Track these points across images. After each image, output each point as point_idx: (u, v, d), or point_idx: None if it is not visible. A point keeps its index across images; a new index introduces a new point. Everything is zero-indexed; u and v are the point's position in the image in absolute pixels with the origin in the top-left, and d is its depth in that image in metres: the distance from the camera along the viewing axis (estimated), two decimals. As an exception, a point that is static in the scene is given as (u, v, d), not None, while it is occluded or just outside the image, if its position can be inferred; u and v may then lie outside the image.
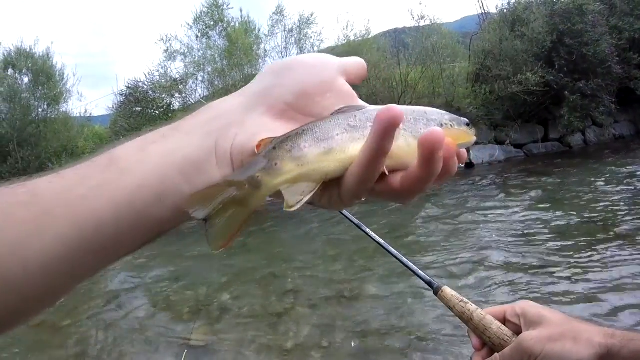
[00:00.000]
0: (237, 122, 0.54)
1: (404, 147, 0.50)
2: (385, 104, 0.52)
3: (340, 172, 0.50)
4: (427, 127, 0.52)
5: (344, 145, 0.50)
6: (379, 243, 1.27)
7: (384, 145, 0.45)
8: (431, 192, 10.83)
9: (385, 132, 0.44)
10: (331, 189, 0.51)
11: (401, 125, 0.50)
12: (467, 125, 0.57)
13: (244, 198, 0.50)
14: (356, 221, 1.29)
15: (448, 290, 1.15)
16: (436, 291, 1.16)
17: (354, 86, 0.58)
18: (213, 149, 0.52)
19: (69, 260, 0.47)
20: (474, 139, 0.58)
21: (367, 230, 1.27)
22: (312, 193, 0.49)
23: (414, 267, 1.22)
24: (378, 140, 0.45)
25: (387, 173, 0.48)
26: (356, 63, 0.61)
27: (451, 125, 0.55)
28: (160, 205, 0.49)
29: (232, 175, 0.51)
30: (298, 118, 0.55)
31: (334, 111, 0.53)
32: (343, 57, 0.61)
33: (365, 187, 0.49)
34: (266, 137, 0.51)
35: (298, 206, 0.49)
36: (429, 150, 0.44)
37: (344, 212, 1.27)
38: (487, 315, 1.07)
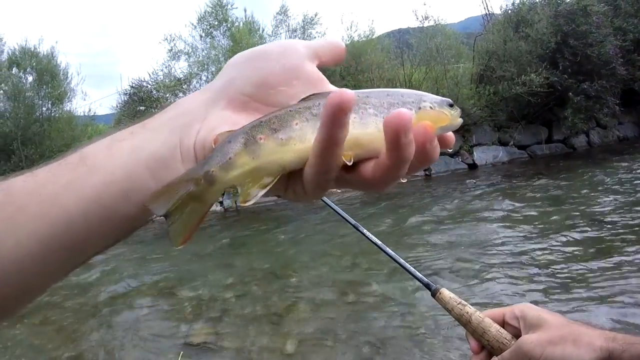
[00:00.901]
0: (200, 118, 0.53)
1: (375, 133, 0.48)
2: None
3: (299, 163, 0.48)
4: None
5: (303, 135, 0.48)
6: (375, 244, 1.25)
7: (335, 134, 0.42)
8: (432, 192, 10.82)
9: (334, 119, 0.42)
10: (295, 180, 0.50)
11: (372, 110, 0.49)
12: (450, 106, 0.54)
13: (200, 193, 0.50)
14: (353, 221, 1.27)
15: (446, 292, 1.14)
16: (434, 293, 1.15)
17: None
18: (177, 145, 0.52)
19: (42, 257, 0.47)
20: (459, 121, 0.54)
21: (364, 230, 1.26)
22: (268, 187, 0.48)
23: (411, 269, 1.21)
24: (327, 129, 0.42)
25: (348, 163, 0.46)
26: (328, 44, 0.60)
27: (431, 107, 0.52)
28: (127, 202, 0.49)
29: (189, 171, 0.50)
30: (262, 109, 0.54)
31: (300, 99, 0.51)
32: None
33: (326, 178, 0.47)
34: (224, 131, 0.51)
35: (253, 200, 0.48)
36: (393, 134, 0.42)
37: (341, 212, 1.26)
38: (485, 318, 1.06)
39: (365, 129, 0.48)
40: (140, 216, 0.51)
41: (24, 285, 0.48)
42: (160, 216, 0.51)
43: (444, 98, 0.53)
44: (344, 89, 0.41)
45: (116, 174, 0.49)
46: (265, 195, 0.50)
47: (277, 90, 0.54)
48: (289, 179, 0.51)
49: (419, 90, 0.58)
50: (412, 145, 0.43)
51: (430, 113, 0.51)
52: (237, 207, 12.31)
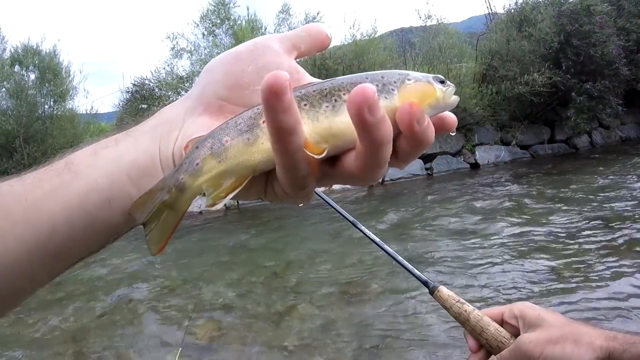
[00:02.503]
0: (179, 126, 0.53)
1: (350, 121, 0.43)
2: None
3: (269, 163, 0.46)
4: (381, 94, 0.45)
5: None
6: (373, 241, 1.24)
7: (279, 121, 0.40)
8: (434, 191, 10.82)
9: (270, 104, 0.39)
10: (273, 181, 0.48)
11: (346, 96, 0.45)
12: (442, 82, 0.49)
13: (173, 202, 0.50)
14: (351, 218, 1.26)
15: (444, 290, 1.13)
16: (432, 291, 1.14)
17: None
18: (157, 153, 0.52)
19: (29, 261, 0.48)
20: (454, 98, 0.49)
21: (362, 228, 1.25)
22: (237, 190, 0.47)
23: (409, 266, 1.20)
24: (268, 117, 0.40)
25: (317, 157, 0.43)
26: (306, 33, 0.57)
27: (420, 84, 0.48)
28: (110, 209, 0.50)
29: (162, 180, 0.50)
30: (239, 111, 0.52)
31: None
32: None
33: (299, 175, 0.44)
34: (195, 137, 0.50)
35: (220, 204, 0.46)
36: (356, 113, 0.39)
37: (339, 209, 1.25)
38: (484, 317, 1.05)
39: (338, 117, 0.45)
40: (123, 223, 0.51)
41: (11, 288, 0.49)
42: (140, 224, 0.52)
43: (433, 74, 0.50)
44: (278, 71, 0.39)
45: (99, 181, 0.50)
46: (245, 198, 0.50)
47: (252, 90, 0.53)
48: (267, 180, 0.49)
49: None
50: (383, 124, 0.40)
51: (413, 88, 0.47)
52: (238, 205, 12.30)
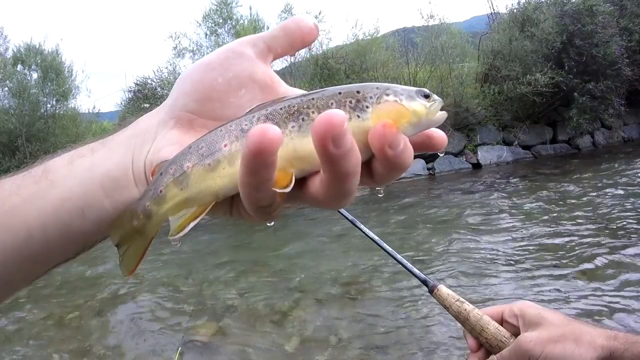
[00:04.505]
0: (151, 139, 0.52)
1: None
2: None
3: (233, 189, 0.44)
4: (353, 112, 0.42)
5: (233, 156, 0.43)
6: (373, 240, 1.24)
7: (254, 179, 0.38)
8: (435, 191, 10.81)
9: (254, 165, 0.37)
10: (238, 203, 0.46)
11: (315, 114, 0.42)
12: (426, 97, 0.45)
13: (141, 228, 0.49)
14: (350, 217, 1.26)
15: (444, 290, 1.12)
16: (431, 290, 1.14)
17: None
18: (130, 165, 0.51)
19: (5, 266, 0.49)
20: (439, 115, 0.45)
21: (362, 226, 1.25)
22: (199, 218, 0.45)
23: (409, 265, 1.19)
24: (246, 173, 0.38)
25: (279, 190, 0.40)
26: (283, 32, 0.53)
27: (396, 101, 0.43)
28: (84, 218, 0.49)
29: (130, 205, 0.49)
30: (210, 125, 0.50)
31: (246, 112, 0.46)
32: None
33: (264, 204, 0.42)
34: (161, 161, 0.48)
35: (182, 233, 0.45)
36: (319, 144, 0.36)
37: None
38: (484, 316, 1.04)
39: (305, 139, 0.41)
40: (98, 233, 0.51)
41: None
42: (114, 245, 0.52)
43: (417, 88, 0.45)
44: (266, 126, 0.36)
45: (73, 190, 0.49)
46: (211, 216, 0.49)
47: (223, 103, 0.51)
48: (232, 201, 0.48)
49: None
50: (350, 156, 0.37)
51: (387, 107, 0.43)
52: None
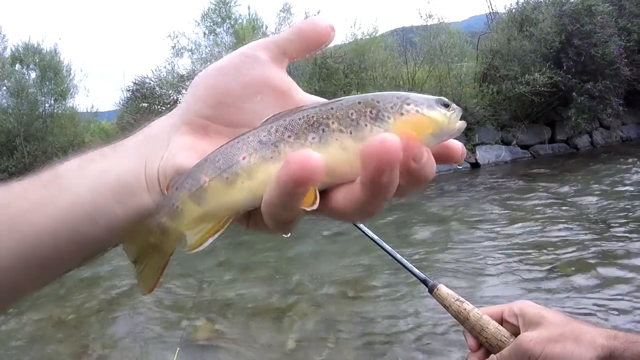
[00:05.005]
0: (164, 145, 0.50)
1: (340, 155, 0.40)
2: None
3: (253, 203, 0.42)
4: (374, 123, 0.41)
5: (252, 169, 0.41)
6: (372, 239, 1.24)
7: (286, 202, 0.37)
8: (434, 190, 10.81)
9: (291, 192, 0.36)
10: (256, 213, 0.44)
11: (335, 125, 0.41)
12: (446, 106, 0.44)
13: (158, 244, 0.48)
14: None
15: (444, 289, 1.12)
16: (431, 289, 1.13)
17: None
18: (143, 171, 0.49)
19: (13, 271, 0.47)
20: (459, 124, 0.44)
21: (361, 225, 1.24)
22: (218, 234, 0.44)
23: (408, 264, 1.19)
24: (279, 196, 0.37)
25: (308, 209, 0.39)
26: (297, 34, 0.51)
27: (417, 111, 0.42)
28: (94, 225, 0.48)
29: (146, 221, 0.48)
30: (224, 132, 0.50)
31: (262, 122, 0.45)
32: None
33: (286, 220, 0.41)
34: (176, 166, 0.47)
35: (199, 249, 0.44)
36: (373, 172, 0.35)
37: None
38: (484, 315, 1.04)
39: (326, 151, 0.40)
40: (109, 240, 0.50)
41: None
42: (132, 262, 0.51)
43: (436, 97, 0.44)
44: (308, 153, 0.35)
45: (83, 196, 0.48)
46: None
47: (238, 108, 0.50)
48: (250, 212, 0.46)
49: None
50: (395, 179, 0.37)
51: (410, 118, 0.42)
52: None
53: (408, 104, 0.42)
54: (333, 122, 0.42)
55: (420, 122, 0.42)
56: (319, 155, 0.35)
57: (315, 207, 0.39)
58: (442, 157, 0.44)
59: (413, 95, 0.44)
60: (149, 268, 0.50)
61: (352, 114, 0.42)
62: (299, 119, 0.42)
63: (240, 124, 0.49)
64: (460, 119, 0.45)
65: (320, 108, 0.43)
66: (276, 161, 0.41)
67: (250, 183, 0.41)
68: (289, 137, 0.41)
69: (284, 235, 0.45)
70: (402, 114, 0.42)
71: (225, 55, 0.52)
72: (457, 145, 0.44)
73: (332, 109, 0.43)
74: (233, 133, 0.48)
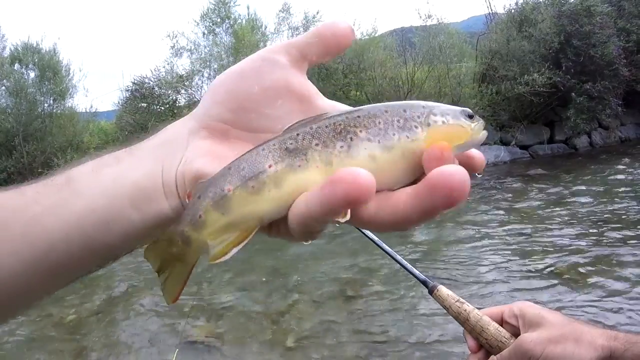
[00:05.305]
0: (181, 149, 0.49)
1: (369, 165, 0.39)
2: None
3: (279, 212, 0.41)
4: (402, 132, 0.41)
5: (279, 178, 0.40)
6: (372, 240, 1.23)
7: (327, 217, 0.36)
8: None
9: (336, 208, 0.35)
10: (279, 222, 0.43)
11: (363, 134, 0.40)
12: (470, 117, 0.44)
13: (180, 254, 0.47)
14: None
15: (444, 290, 1.12)
16: (431, 290, 1.13)
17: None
18: (160, 176, 0.48)
19: (25, 277, 0.46)
20: (483, 134, 0.44)
21: (361, 226, 1.24)
22: (244, 242, 0.42)
23: (408, 265, 1.19)
24: (321, 213, 0.36)
25: (342, 220, 0.38)
26: (317, 37, 0.50)
27: (444, 122, 0.42)
28: (108, 231, 0.47)
29: (167, 231, 0.47)
30: (245, 137, 0.48)
31: (285, 129, 0.44)
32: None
33: (314, 231, 0.40)
34: (195, 171, 0.45)
35: (223, 259, 0.42)
36: (443, 202, 0.34)
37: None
38: (484, 316, 1.04)
39: (355, 160, 0.40)
40: (123, 246, 0.49)
41: (4, 303, 0.48)
42: (155, 272, 0.50)
43: (460, 107, 0.45)
44: (357, 171, 0.33)
45: (98, 201, 0.47)
46: None
47: (259, 113, 0.49)
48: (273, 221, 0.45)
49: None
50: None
51: (444, 129, 0.42)
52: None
53: (435, 114, 0.42)
54: (361, 131, 0.41)
55: (448, 133, 0.42)
56: (369, 174, 0.34)
57: (347, 217, 0.38)
58: (464, 167, 0.43)
59: (439, 105, 0.44)
60: (172, 278, 0.49)
61: (379, 122, 0.41)
62: (326, 126, 0.42)
63: (261, 129, 0.48)
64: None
65: (347, 116, 0.42)
66: (305, 170, 0.40)
67: (277, 192, 0.40)
68: (317, 145, 0.41)
69: (305, 243, 0.44)
70: (428, 124, 0.42)
71: (244, 59, 0.51)
72: (479, 155, 0.44)
73: (359, 117, 0.42)
74: (254, 138, 0.47)
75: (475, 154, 0.43)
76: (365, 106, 0.43)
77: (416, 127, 0.41)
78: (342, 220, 0.38)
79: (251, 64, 0.50)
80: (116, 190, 0.47)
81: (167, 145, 0.50)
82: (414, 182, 0.40)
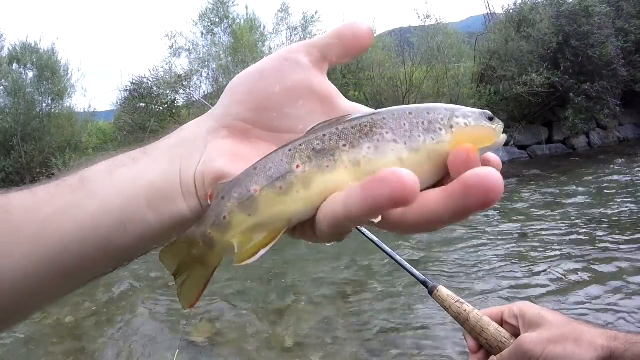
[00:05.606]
0: (200, 148, 0.48)
1: (395, 165, 0.39)
2: (389, 104, 0.42)
3: (307, 213, 0.40)
4: (427, 134, 0.41)
5: (308, 179, 0.40)
6: (372, 241, 1.23)
7: (365, 218, 0.35)
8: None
9: (377, 209, 0.34)
10: (305, 224, 0.42)
11: (389, 135, 0.40)
12: (490, 119, 0.44)
13: (202, 257, 0.45)
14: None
15: (444, 290, 1.12)
16: (431, 291, 1.13)
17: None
18: (177, 176, 0.47)
19: (37, 279, 0.45)
20: (503, 137, 0.45)
21: (361, 227, 1.24)
22: (272, 244, 0.41)
23: (408, 266, 1.19)
24: (361, 213, 0.35)
25: (375, 221, 0.37)
26: (338, 38, 0.49)
27: (466, 124, 0.42)
28: (123, 233, 0.46)
29: (188, 232, 0.46)
30: (266, 137, 0.48)
31: (308, 130, 0.43)
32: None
33: (344, 232, 0.40)
34: (222, 181, 0.44)
35: (251, 260, 0.41)
36: (478, 203, 0.34)
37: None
38: (484, 317, 1.04)
39: (382, 162, 0.39)
40: (138, 248, 0.48)
41: (16, 305, 0.46)
42: (172, 275, 0.49)
43: (480, 110, 0.45)
44: (401, 172, 0.32)
45: (113, 202, 0.46)
46: None
47: (281, 113, 0.48)
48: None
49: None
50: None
51: (468, 131, 0.42)
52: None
53: (457, 117, 0.43)
54: (387, 132, 0.41)
55: (472, 135, 0.42)
56: (412, 174, 0.33)
57: (379, 218, 0.37)
58: None
59: (460, 107, 0.44)
60: (190, 281, 0.48)
61: (404, 124, 0.41)
62: (352, 127, 0.41)
63: (283, 129, 0.48)
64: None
65: (372, 117, 0.42)
66: (333, 170, 0.39)
67: (306, 193, 0.40)
68: (344, 145, 0.40)
69: (327, 244, 0.44)
70: (452, 126, 0.42)
71: (264, 58, 0.51)
72: (495, 158, 0.43)
73: (384, 118, 0.42)
74: (275, 138, 0.47)
75: (492, 156, 0.43)
76: (389, 108, 0.43)
77: (440, 129, 0.42)
78: (376, 221, 0.37)
79: (272, 64, 0.49)
80: (132, 190, 0.46)
81: (185, 145, 0.49)
82: (435, 184, 0.40)
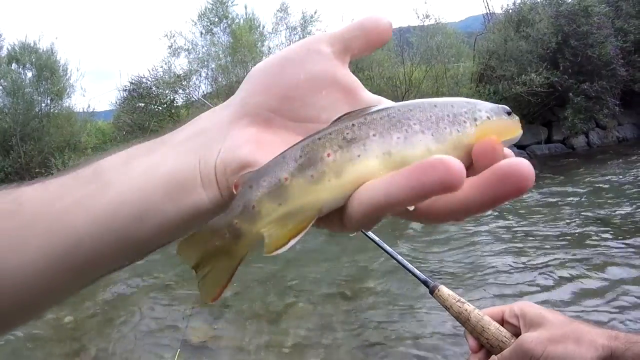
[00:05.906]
0: (221, 137, 0.47)
1: (425, 156, 0.38)
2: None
3: (338, 202, 0.40)
4: (453, 126, 0.41)
5: (339, 167, 0.39)
6: (373, 240, 1.23)
7: (406, 204, 0.35)
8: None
9: (423, 196, 0.34)
10: (332, 213, 0.42)
11: (417, 127, 0.40)
12: (508, 114, 0.45)
13: (227, 248, 0.44)
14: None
15: (444, 290, 1.12)
16: (432, 290, 1.13)
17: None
18: (197, 166, 0.46)
19: (49, 274, 0.44)
20: (520, 132, 0.45)
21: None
22: (301, 235, 0.40)
23: (409, 265, 1.19)
24: (405, 199, 0.34)
25: (410, 208, 0.37)
26: (361, 30, 0.49)
27: (488, 117, 0.43)
28: (140, 226, 0.44)
29: (212, 222, 0.44)
30: (289, 126, 0.47)
31: (333, 120, 0.43)
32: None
33: (379, 220, 0.40)
34: (247, 169, 0.44)
35: (279, 251, 0.41)
36: (509, 193, 0.34)
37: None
38: (484, 316, 1.04)
39: (412, 151, 0.39)
40: (155, 240, 0.46)
41: (27, 301, 0.45)
42: (191, 268, 0.47)
43: (498, 105, 0.45)
44: (447, 158, 0.32)
45: (129, 194, 0.44)
46: None
47: (304, 102, 0.47)
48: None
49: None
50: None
51: (491, 124, 0.42)
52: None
53: (480, 110, 0.43)
54: (415, 124, 0.41)
55: (496, 128, 0.42)
56: (458, 161, 0.33)
57: (413, 207, 0.37)
58: None
59: (479, 101, 0.44)
60: (213, 274, 0.46)
61: (431, 116, 0.41)
62: (380, 118, 0.41)
63: (307, 119, 0.47)
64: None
65: (399, 108, 0.42)
66: (364, 159, 0.39)
67: (337, 182, 0.39)
68: (374, 135, 0.40)
69: (350, 235, 0.44)
70: (475, 119, 0.42)
71: (286, 48, 0.50)
72: (510, 153, 0.43)
73: (411, 110, 0.42)
74: (297, 127, 0.46)
75: (507, 151, 0.42)
76: (413, 100, 0.43)
77: (465, 121, 0.42)
78: (411, 209, 0.37)
79: (295, 53, 0.49)
80: (149, 181, 0.45)
81: (203, 134, 0.48)
82: None
